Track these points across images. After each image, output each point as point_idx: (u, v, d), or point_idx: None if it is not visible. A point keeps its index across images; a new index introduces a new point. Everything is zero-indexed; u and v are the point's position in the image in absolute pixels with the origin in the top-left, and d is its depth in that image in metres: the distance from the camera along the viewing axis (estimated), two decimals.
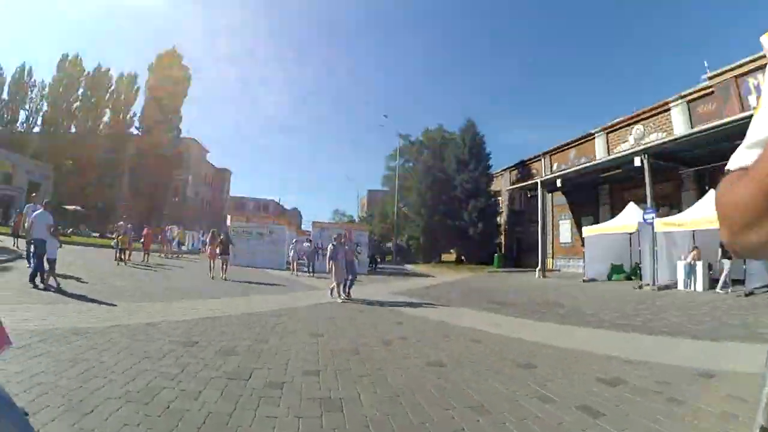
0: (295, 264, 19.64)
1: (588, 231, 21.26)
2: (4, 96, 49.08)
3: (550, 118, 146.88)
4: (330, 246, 11.84)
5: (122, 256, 18.58)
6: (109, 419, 3.27)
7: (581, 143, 29.33)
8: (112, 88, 51.91)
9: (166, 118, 48.99)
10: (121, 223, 19.62)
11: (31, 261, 10.46)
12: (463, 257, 38.37)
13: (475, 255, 35.87)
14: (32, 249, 10.39)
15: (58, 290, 9.60)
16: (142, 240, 21.34)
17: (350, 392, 4.30)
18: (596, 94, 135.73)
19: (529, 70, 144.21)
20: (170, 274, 16.37)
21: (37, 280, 9.73)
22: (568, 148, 30.77)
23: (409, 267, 33.49)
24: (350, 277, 11.94)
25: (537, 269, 23.86)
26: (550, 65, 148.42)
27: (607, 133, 26.99)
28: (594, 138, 27.98)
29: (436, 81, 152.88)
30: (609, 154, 24.96)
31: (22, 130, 49.20)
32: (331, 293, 11.57)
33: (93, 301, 8.76)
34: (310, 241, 20.82)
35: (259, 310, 9.23)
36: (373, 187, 70.11)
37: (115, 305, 8.44)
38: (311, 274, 18.73)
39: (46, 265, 9.94)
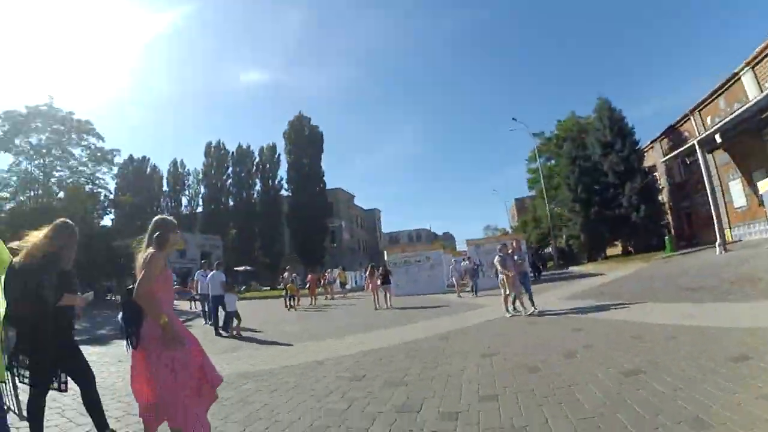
0: (457, 285, 18.80)
1: (765, 185, 17.46)
2: (165, 188, 61.03)
3: (683, 71, 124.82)
4: (497, 258, 10.81)
5: (291, 303, 20.00)
6: None
7: (727, 88, 24.17)
8: (257, 160, 58.88)
9: (310, 175, 53.23)
10: (286, 274, 20.97)
11: (211, 317, 12.15)
12: (630, 248, 33.62)
13: (643, 242, 31.13)
14: (209, 305, 12.12)
15: (238, 337, 10.75)
16: (308, 286, 22.99)
17: (537, 418, 3.54)
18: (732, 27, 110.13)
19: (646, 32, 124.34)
20: (336, 313, 16.95)
21: (221, 330, 11.42)
22: (714, 98, 25.57)
23: (574, 269, 30.21)
24: (523, 290, 10.63)
25: (716, 244, 19.97)
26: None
27: (753, 68, 21.92)
28: (739, 77, 22.99)
29: (555, 70, 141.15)
30: (762, 90, 20.30)
31: (187, 212, 59.68)
32: (507, 308, 10.46)
33: (264, 343, 9.40)
34: (469, 258, 19.78)
35: (425, 335, 8.76)
36: (519, 195, 67.35)
37: (286, 346, 8.81)
38: (475, 294, 17.67)
39: (222, 318, 11.53)
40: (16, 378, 3.60)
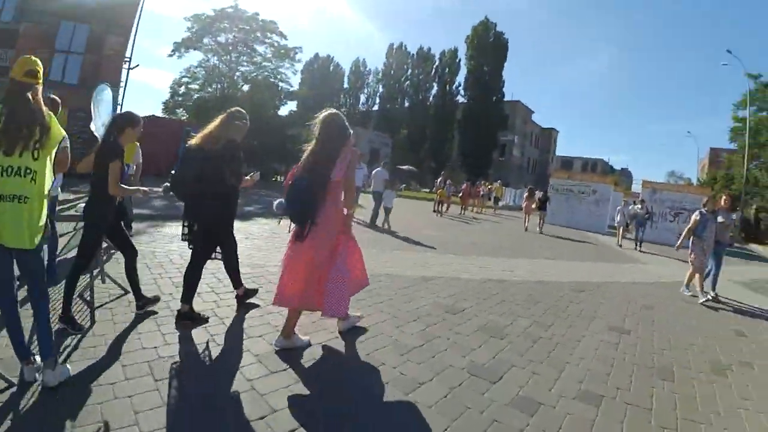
0: (621, 231, 15.72)
1: None
2: (345, 85, 64.00)
3: None
4: (695, 215, 7.39)
5: (440, 209, 19.60)
6: None
7: None
8: (436, 64, 56.70)
9: (489, 84, 49.85)
10: (440, 179, 20.40)
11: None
12: None
13: None
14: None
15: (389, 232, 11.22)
16: (461, 194, 22.22)
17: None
18: None
19: None
20: (482, 227, 16.09)
21: (379, 221, 12.09)
22: None
23: (756, 248, 23.66)
24: (711, 269, 7.58)
25: None
26: None
27: None
28: None
29: None
30: None
31: (364, 109, 62.68)
32: (688, 287, 7.45)
33: (387, 244, 9.08)
34: (642, 202, 16.47)
35: (559, 279, 7.52)
36: (717, 145, 55.63)
37: (407, 251, 8.33)
38: (638, 246, 14.40)
39: (382, 213, 12.16)
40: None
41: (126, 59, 20.55)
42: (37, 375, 2.57)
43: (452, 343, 3.89)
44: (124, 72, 20.66)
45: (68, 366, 2.72)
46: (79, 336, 3.22)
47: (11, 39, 17.66)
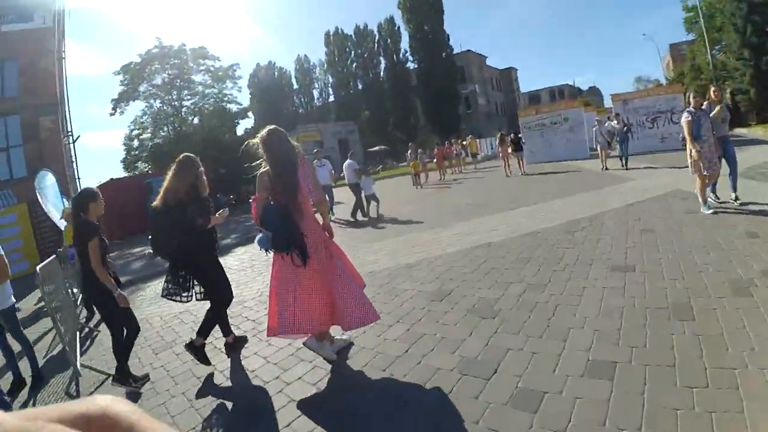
0: (603, 152, 14.23)
1: None
2: (295, 86, 62.74)
3: None
4: (685, 116, 6.39)
5: (418, 181, 19.04)
6: None
7: None
8: (377, 38, 55.17)
9: (433, 42, 48.82)
10: (410, 151, 19.80)
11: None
12: None
13: None
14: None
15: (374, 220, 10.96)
16: (434, 160, 21.72)
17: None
18: None
19: None
20: (461, 189, 15.59)
21: (358, 215, 11.67)
22: None
23: (741, 132, 22.59)
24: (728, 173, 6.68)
25: None
26: None
27: None
28: None
29: None
30: None
31: (320, 104, 61.57)
32: (704, 199, 6.31)
33: (379, 237, 8.62)
34: (617, 116, 15.40)
35: (549, 223, 7.00)
36: (674, 40, 54.92)
37: (407, 232, 7.90)
38: (624, 165, 13.32)
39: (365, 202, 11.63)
40: (182, 298, 4.02)
41: (67, 133, 19.83)
42: None
43: (439, 339, 3.46)
44: (70, 147, 20.01)
45: None
46: None
47: None
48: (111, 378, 3.93)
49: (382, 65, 54.78)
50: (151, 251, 4.26)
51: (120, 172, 33.54)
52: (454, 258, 5.87)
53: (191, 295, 4.09)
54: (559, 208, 8.23)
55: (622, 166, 13.13)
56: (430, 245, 6.96)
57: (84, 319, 7.27)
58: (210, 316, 4.04)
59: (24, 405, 4.26)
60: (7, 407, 3.82)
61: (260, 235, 3.37)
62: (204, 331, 3.99)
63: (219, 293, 4.09)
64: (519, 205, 9.35)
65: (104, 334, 6.12)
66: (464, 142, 26.50)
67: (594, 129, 14.96)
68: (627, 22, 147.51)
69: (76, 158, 20.49)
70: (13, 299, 4.61)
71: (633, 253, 4.78)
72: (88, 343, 5.96)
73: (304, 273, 3.27)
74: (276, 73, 62.15)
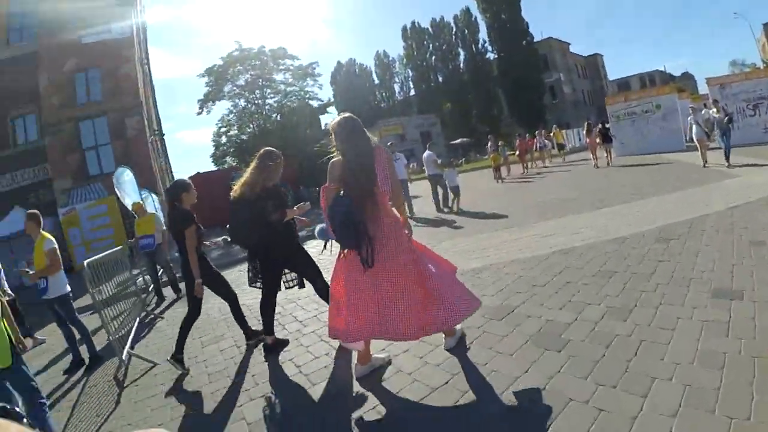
0: (700, 145, 11.79)
1: None
2: (376, 81, 63.00)
3: None
4: None
5: (499, 175, 18.06)
6: None
7: None
8: (453, 30, 53.76)
9: (512, 31, 46.72)
10: (489, 143, 18.98)
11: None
12: None
13: None
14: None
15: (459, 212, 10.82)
16: (516, 153, 20.47)
17: None
18: None
19: None
20: (544, 183, 14.43)
21: (440, 205, 11.67)
22: None
23: None
24: None
25: None
26: None
27: None
28: None
29: None
30: None
31: (401, 98, 61.41)
32: None
33: (451, 236, 8.21)
34: (714, 102, 13.00)
35: (638, 228, 6.02)
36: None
37: (479, 232, 7.37)
38: (727, 160, 10.96)
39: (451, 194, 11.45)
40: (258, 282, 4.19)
41: (154, 132, 21.41)
42: None
43: (488, 373, 2.91)
44: (155, 144, 21.74)
45: None
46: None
47: (41, 154, 19.54)
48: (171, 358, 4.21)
49: (461, 57, 53.38)
50: (228, 239, 4.33)
51: (210, 167, 35.44)
52: (526, 265, 5.21)
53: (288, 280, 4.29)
54: (652, 209, 7.15)
55: (725, 161, 11.00)
56: (504, 247, 6.35)
57: (154, 305, 7.88)
58: (264, 308, 4.11)
59: (77, 383, 4.77)
60: (20, 419, 4.23)
61: (321, 225, 3.24)
62: (268, 328, 4.15)
63: (313, 275, 4.14)
64: (606, 204, 8.31)
65: (165, 322, 6.69)
66: (550, 133, 24.73)
67: (689, 118, 12.88)
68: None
69: (166, 153, 22.15)
70: (69, 287, 5.12)
71: (740, 274, 3.80)
72: (147, 330, 6.35)
73: (382, 275, 2.99)
74: (357, 70, 63.04)
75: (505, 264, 5.47)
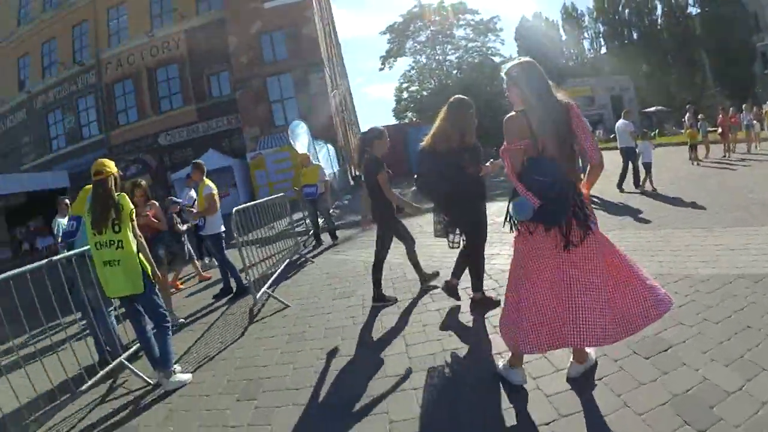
0: None
1: None
2: (563, 37, 55.23)
3: None
4: None
5: (694, 155, 14.89)
6: None
7: None
8: None
9: None
10: (687, 115, 16.05)
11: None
12: None
13: None
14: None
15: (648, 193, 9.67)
16: (718, 131, 16.24)
17: None
18: None
19: None
20: (749, 174, 10.93)
21: (627, 185, 10.37)
22: None
23: None
24: None
25: None
26: None
27: None
28: None
29: None
30: None
31: (591, 55, 53.50)
32: None
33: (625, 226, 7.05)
34: None
35: None
36: None
37: (656, 228, 6.39)
38: None
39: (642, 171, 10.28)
40: (450, 243, 4.12)
41: (336, 86, 23.15)
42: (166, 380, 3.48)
43: (601, 428, 2.29)
44: (337, 97, 23.50)
45: (184, 376, 3.60)
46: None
47: (233, 105, 23.13)
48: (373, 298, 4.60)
49: (659, 11, 45.36)
50: (415, 188, 4.21)
51: (391, 121, 37.01)
52: (703, 287, 3.94)
53: (456, 241, 4.11)
54: None
55: None
56: (681, 255, 4.95)
57: (311, 248, 8.76)
58: (471, 261, 4.06)
59: (219, 309, 5.54)
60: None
61: (520, 199, 2.38)
62: (477, 284, 4.07)
63: (476, 235, 4.02)
64: None
65: (314, 266, 7.21)
66: (762, 111, 19.24)
67: None
68: None
69: (353, 106, 24.27)
70: (223, 228, 5.81)
71: None
72: (295, 271, 6.96)
73: (584, 261, 2.43)
74: (543, 24, 57.73)
75: (674, 280, 4.25)
